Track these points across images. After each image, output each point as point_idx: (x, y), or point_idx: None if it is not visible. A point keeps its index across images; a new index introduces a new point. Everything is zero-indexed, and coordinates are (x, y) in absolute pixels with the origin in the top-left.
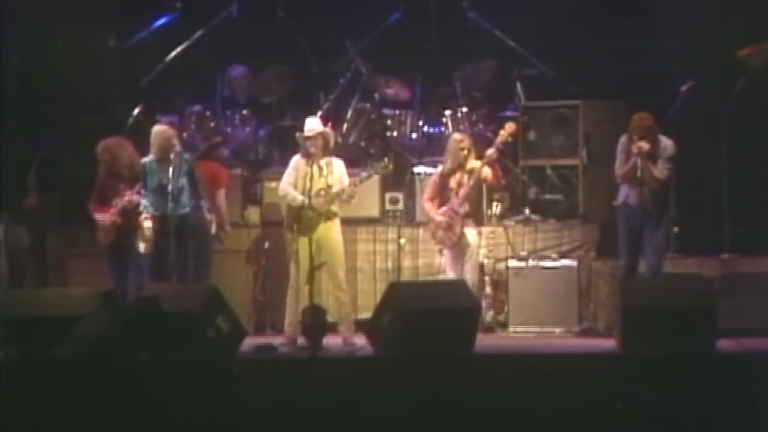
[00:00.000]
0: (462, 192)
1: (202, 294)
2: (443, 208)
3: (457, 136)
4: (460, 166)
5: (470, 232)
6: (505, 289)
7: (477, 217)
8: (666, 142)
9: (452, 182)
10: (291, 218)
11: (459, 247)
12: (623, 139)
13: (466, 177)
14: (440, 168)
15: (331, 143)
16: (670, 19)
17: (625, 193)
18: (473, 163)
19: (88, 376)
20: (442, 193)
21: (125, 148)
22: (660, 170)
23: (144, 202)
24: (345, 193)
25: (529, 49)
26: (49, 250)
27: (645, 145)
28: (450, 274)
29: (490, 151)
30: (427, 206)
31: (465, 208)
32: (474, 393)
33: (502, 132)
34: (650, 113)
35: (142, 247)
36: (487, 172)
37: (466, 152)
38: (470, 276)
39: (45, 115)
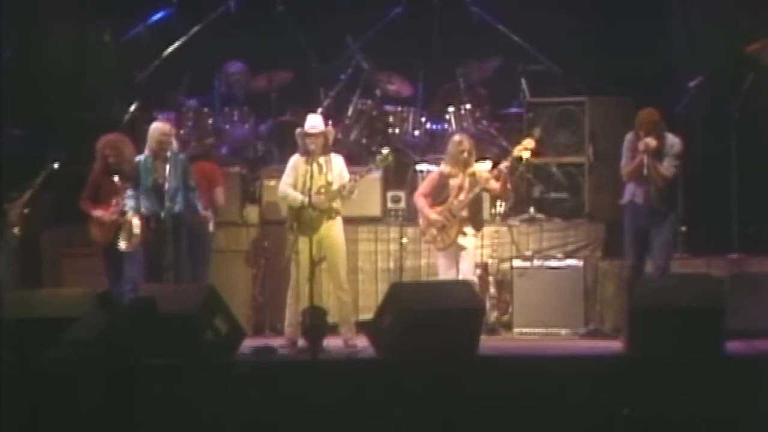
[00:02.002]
0: (463, 197)
1: (199, 295)
2: (439, 208)
3: (456, 137)
4: (460, 168)
5: (467, 237)
6: (510, 289)
7: (476, 222)
8: (673, 140)
9: (452, 183)
10: (292, 218)
11: (452, 250)
12: (629, 136)
13: (467, 180)
14: (442, 166)
15: (331, 141)
16: (678, 13)
17: (631, 192)
18: (477, 166)
19: (84, 378)
20: (439, 192)
21: (128, 145)
22: (666, 168)
23: (131, 202)
24: (346, 189)
25: (533, 44)
26: (43, 250)
27: (651, 142)
28: (444, 276)
29: (503, 165)
30: (420, 202)
31: (464, 214)
32: (477, 395)
33: (518, 146)
34: (657, 109)
35: (123, 245)
36: (493, 183)
37: (466, 155)
38: (469, 277)
39: (39, 112)
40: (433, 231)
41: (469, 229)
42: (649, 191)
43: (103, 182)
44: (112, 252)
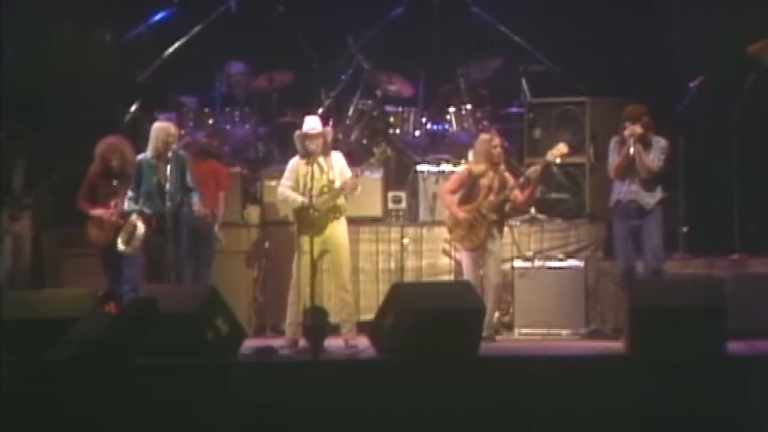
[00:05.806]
0: (492, 198)
1: (201, 295)
2: (468, 207)
3: (485, 135)
4: (491, 166)
5: (494, 238)
6: (511, 290)
7: (501, 226)
8: (659, 138)
9: (484, 182)
10: (295, 218)
11: (479, 251)
12: (615, 138)
13: (496, 181)
14: (469, 165)
15: (330, 141)
16: (679, 13)
17: (617, 191)
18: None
19: (85, 379)
20: (469, 191)
21: (128, 147)
22: (652, 160)
23: (132, 204)
24: (348, 186)
25: (534, 44)
26: (44, 250)
27: (638, 128)
28: (469, 276)
29: (532, 170)
30: (448, 199)
31: (494, 216)
32: (479, 396)
33: (552, 151)
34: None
35: (122, 247)
36: (517, 193)
37: (499, 149)
38: (494, 279)
39: (40, 112)
40: (461, 230)
41: (496, 233)
42: (634, 183)
43: (101, 184)
44: (110, 252)
